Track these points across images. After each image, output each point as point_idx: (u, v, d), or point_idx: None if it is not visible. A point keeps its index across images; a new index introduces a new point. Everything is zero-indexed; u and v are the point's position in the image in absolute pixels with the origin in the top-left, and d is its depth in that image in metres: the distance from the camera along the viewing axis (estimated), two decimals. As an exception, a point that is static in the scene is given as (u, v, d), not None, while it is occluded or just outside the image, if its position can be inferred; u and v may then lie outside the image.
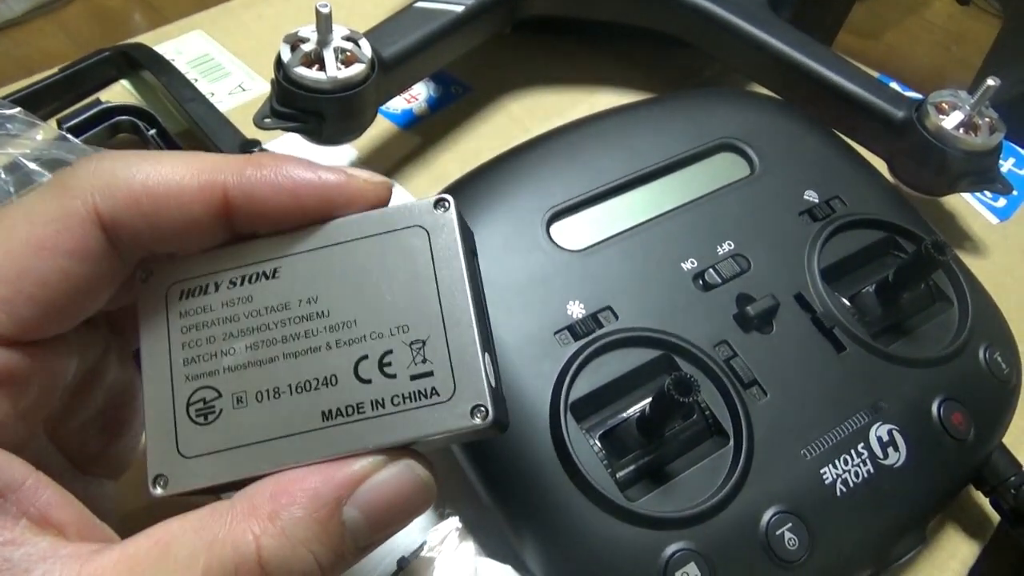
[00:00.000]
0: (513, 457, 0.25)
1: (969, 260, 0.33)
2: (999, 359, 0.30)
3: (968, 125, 0.38)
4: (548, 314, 0.27)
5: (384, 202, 0.20)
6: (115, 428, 0.23)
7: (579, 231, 0.29)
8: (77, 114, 0.39)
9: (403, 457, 0.18)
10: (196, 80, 0.44)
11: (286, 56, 0.34)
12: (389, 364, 0.18)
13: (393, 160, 0.42)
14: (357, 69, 0.34)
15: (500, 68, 0.48)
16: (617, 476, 0.25)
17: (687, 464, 0.26)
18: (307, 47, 0.34)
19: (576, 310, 0.27)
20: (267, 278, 0.19)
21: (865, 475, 0.26)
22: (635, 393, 0.27)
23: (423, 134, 0.44)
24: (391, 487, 0.17)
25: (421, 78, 0.42)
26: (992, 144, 0.38)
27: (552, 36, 0.50)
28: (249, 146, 0.38)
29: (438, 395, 0.17)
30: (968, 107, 0.38)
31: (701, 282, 0.29)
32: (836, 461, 0.26)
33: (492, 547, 0.28)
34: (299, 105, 0.34)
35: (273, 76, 0.35)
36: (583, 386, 0.26)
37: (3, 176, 0.33)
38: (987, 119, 0.38)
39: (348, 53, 0.35)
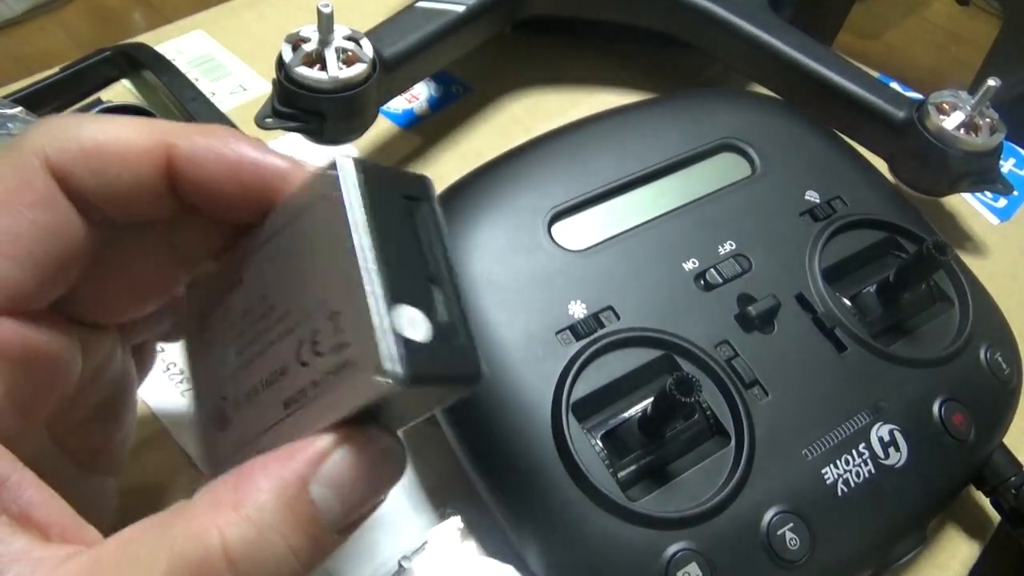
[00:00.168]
0: (515, 457, 0.25)
1: (970, 260, 0.34)
2: (1000, 359, 0.30)
3: (969, 125, 0.38)
4: (550, 314, 0.27)
5: None
6: (112, 421, 0.23)
7: (581, 231, 0.29)
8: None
9: (364, 431, 0.17)
10: (197, 80, 0.44)
11: (287, 56, 0.34)
12: (318, 343, 0.17)
13: (394, 160, 0.42)
14: (358, 69, 0.34)
15: (501, 68, 0.48)
16: (619, 476, 0.25)
17: (688, 464, 0.26)
18: (308, 47, 0.34)
19: (578, 310, 0.27)
20: (237, 287, 0.20)
21: (866, 475, 0.26)
22: (637, 393, 0.27)
23: (424, 134, 0.44)
24: (355, 460, 0.17)
25: (422, 78, 0.42)
26: (992, 144, 0.38)
27: (553, 36, 0.50)
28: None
29: (355, 364, 0.16)
30: (969, 107, 0.38)
31: (702, 282, 0.29)
32: (837, 461, 0.26)
33: (493, 547, 0.28)
34: (300, 105, 0.34)
35: (274, 76, 0.35)
36: (585, 386, 0.26)
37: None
38: (987, 119, 0.38)
39: (349, 53, 0.35)
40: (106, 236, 0.19)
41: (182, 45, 0.47)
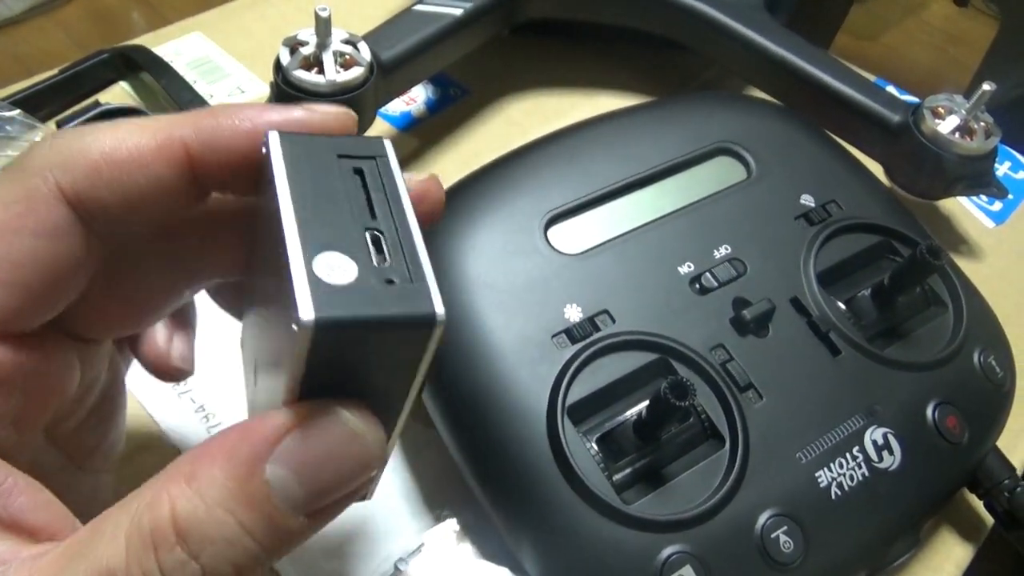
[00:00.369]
0: (510, 460, 0.25)
1: (964, 264, 0.34)
2: (993, 363, 0.30)
3: (964, 129, 0.38)
4: (545, 317, 0.27)
5: (349, 130, 0.19)
6: (106, 419, 0.23)
7: (577, 235, 0.29)
8: (76, 116, 0.39)
9: (328, 410, 0.16)
10: (195, 82, 0.44)
11: (285, 59, 0.34)
12: (279, 303, 0.17)
13: (392, 162, 0.42)
14: (356, 72, 0.34)
15: (499, 71, 0.48)
16: (614, 479, 0.25)
17: (683, 467, 0.26)
18: (306, 50, 0.34)
19: (573, 313, 0.27)
20: (251, 254, 0.21)
21: (860, 478, 0.26)
22: (632, 396, 0.27)
23: (422, 136, 0.44)
24: (318, 440, 0.16)
25: (420, 81, 0.42)
26: (988, 148, 0.38)
27: (551, 39, 0.50)
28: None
29: (288, 318, 0.16)
30: (964, 111, 0.38)
31: (697, 286, 0.29)
32: (831, 464, 0.26)
33: (489, 549, 0.28)
34: (298, 108, 0.34)
35: (272, 79, 0.35)
36: (580, 389, 0.26)
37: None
38: (983, 123, 0.39)
39: (347, 56, 0.35)
40: (111, 253, 0.19)
41: (181, 47, 0.47)
